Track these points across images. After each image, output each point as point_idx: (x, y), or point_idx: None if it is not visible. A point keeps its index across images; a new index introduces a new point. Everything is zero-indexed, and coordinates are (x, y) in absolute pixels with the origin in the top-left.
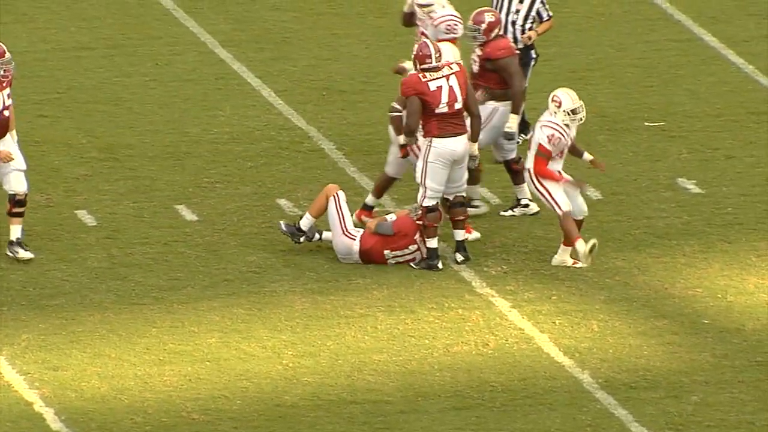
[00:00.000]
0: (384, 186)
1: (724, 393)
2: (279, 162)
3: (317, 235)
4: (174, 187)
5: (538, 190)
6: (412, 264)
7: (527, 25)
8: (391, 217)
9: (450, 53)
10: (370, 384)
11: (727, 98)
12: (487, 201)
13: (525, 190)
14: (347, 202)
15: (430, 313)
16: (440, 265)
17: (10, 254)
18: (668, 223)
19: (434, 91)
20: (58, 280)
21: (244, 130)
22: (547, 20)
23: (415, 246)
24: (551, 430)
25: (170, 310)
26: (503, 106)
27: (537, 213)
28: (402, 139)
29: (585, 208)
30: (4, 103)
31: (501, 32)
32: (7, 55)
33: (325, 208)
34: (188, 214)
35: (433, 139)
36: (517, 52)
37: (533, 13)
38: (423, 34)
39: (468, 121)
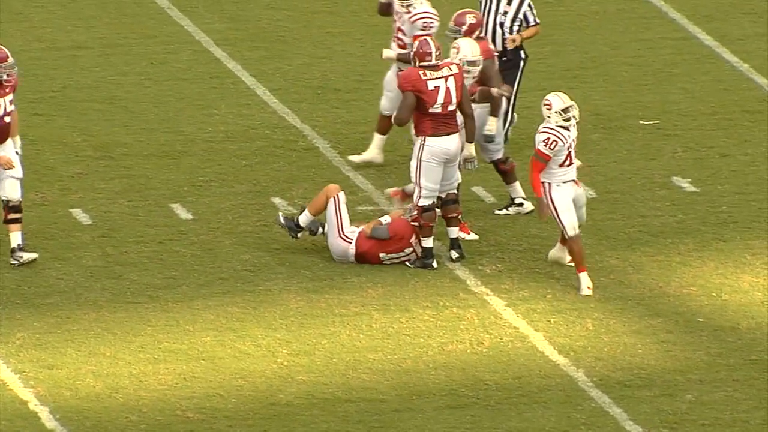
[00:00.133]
0: None
1: (719, 391)
2: (274, 160)
3: (320, 229)
4: (169, 186)
5: (548, 205)
6: (407, 263)
7: (515, 28)
8: (386, 219)
9: (469, 48)
10: (365, 382)
11: (722, 97)
12: (481, 200)
13: (518, 189)
14: (346, 203)
15: (425, 312)
16: (435, 264)
17: (15, 262)
18: (663, 222)
19: (432, 90)
20: (53, 279)
21: (239, 129)
22: (533, 26)
23: (411, 248)
24: (546, 428)
25: (165, 308)
26: (480, 108)
27: (531, 212)
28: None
29: (584, 217)
30: (5, 108)
31: (483, 34)
32: (10, 59)
33: (325, 208)
34: (183, 213)
35: (427, 137)
36: (497, 54)
37: (520, 15)
38: (400, 30)
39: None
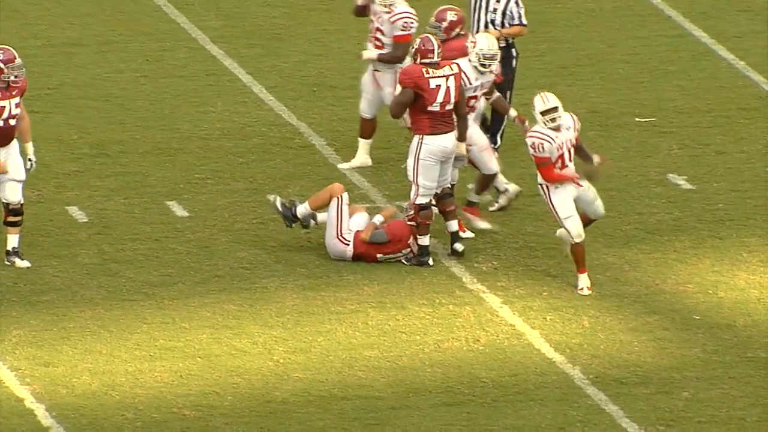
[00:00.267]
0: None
1: (715, 389)
2: (270, 158)
3: (312, 222)
4: (165, 183)
5: (552, 211)
6: (403, 260)
7: (506, 24)
8: (378, 219)
9: (486, 42)
10: (361, 380)
11: (718, 94)
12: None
13: (498, 179)
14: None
15: (421, 309)
16: (431, 262)
17: (8, 263)
18: (659, 219)
19: (433, 89)
20: (49, 276)
21: (235, 126)
22: (517, 24)
23: (408, 249)
24: (542, 425)
25: (161, 306)
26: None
27: (520, 191)
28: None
29: (602, 211)
30: (10, 111)
31: (463, 32)
32: (18, 60)
33: (326, 205)
34: (179, 210)
35: (425, 136)
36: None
37: (508, 11)
38: (378, 30)
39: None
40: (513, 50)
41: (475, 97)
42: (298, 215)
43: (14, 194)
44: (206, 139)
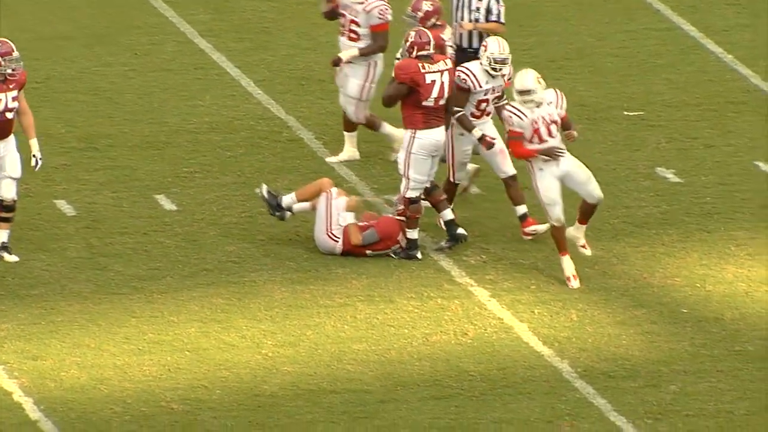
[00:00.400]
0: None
1: (703, 382)
2: (258, 152)
3: (287, 214)
4: (153, 177)
5: (536, 193)
6: (391, 254)
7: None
8: (347, 217)
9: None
10: (350, 373)
11: (706, 87)
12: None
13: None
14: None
15: (410, 303)
16: (420, 255)
17: None
18: (647, 213)
19: (428, 84)
20: (38, 270)
21: (224, 120)
22: (494, 21)
23: (398, 245)
24: (530, 419)
25: (150, 299)
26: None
27: (479, 170)
28: (476, 132)
29: (597, 193)
30: (6, 104)
31: (439, 22)
32: (15, 53)
33: (313, 198)
34: (167, 204)
35: (417, 131)
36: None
37: (490, 8)
38: (353, 22)
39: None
40: None
41: (486, 101)
42: (283, 204)
43: (9, 191)
44: (194, 132)
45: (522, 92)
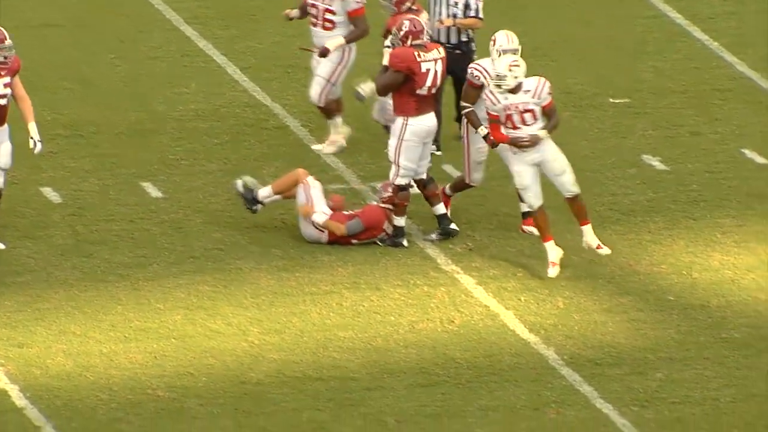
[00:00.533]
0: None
1: (689, 369)
2: (244, 139)
3: (259, 206)
4: (139, 165)
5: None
6: (377, 241)
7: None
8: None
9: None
10: (336, 361)
11: (693, 75)
12: (452, 177)
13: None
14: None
15: (396, 290)
16: (406, 243)
17: None
18: (633, 200)
19: (424, 72)
20: (24, 258)
21: (210, 108)
22: (473, 17)
23: (384, 233)
24: (516, 406)
25: (136, 287)
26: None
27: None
28: (481, 131)
29: (570, 187)
30: None
31: (415, 6)
32: (8, 41)
33: (290, 190)
34: (154, 191)
35: (409, 118)
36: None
37: (468, 4)
38: (328, 11)
39: None
40: (473, 44)
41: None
42: (260, 198)
43: None
44: (181, 120)
45: (494, 77)
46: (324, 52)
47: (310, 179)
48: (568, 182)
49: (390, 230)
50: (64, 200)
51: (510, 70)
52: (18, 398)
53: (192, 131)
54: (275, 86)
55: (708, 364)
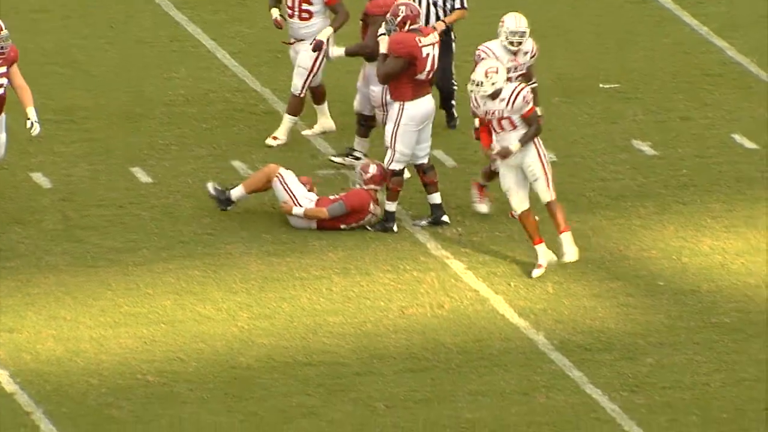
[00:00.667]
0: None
1: (679, 354)
2: (234, 124)
3: (230, 207)
4: (129, 149)
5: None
6: (367, 227)
7: (448, 6)
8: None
9: (513, 21)
10: (326, 346)
11: (682, 60)
12: (442, 163)
13: (364, 143)
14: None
15: (385, 276)
16: (396, 228)
17: None
18: (623, 185)
19: (424, 57)
20: (14, 243)
21: (199, 93)
22: (459, 9)
23: (371, 215)
24: (506, 391)
25: (126, 272)
26: (369, 66)
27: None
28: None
29: (542, 195)
30: None
31: None
32: (4, 31)
33: (262, 187)
34: (143, 176)
35: (406, 102)
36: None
37: None
38: (304, 1)
39: None
40: (452, 34)
41: (510, 80)
42: (233, 198)
43: None
44: (170, 105)
45: (470, 82)
46: (318, 46)
47: (282, 170)
48: (541, 189)
49: (378, 212)
50: (54, 185)
51: (487, 77)
52: (8, 383)
53: (181, 116)
54: (265, 71)
55: (698, 349)
